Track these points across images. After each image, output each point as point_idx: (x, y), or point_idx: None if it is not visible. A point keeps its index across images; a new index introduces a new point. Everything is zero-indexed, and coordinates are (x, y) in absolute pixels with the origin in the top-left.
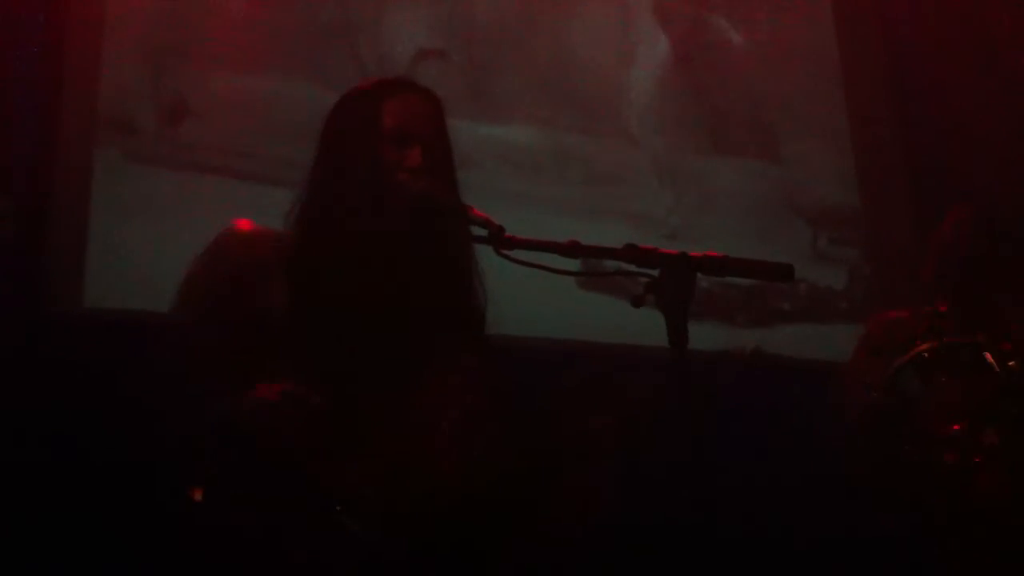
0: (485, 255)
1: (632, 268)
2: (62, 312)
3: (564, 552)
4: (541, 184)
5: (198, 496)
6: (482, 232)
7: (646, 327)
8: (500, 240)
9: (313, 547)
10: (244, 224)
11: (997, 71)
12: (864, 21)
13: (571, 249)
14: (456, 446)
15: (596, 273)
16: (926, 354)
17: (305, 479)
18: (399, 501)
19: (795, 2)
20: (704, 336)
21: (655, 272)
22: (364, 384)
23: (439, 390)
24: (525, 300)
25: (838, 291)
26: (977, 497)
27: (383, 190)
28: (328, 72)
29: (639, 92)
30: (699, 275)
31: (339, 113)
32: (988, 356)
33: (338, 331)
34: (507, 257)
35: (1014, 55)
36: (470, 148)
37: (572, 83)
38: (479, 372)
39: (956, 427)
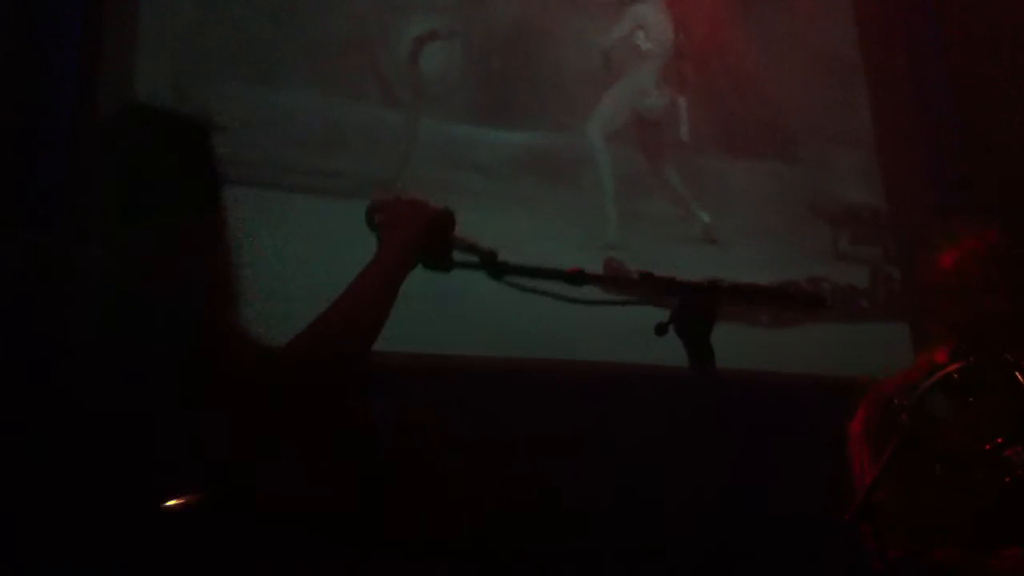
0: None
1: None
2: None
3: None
4: (561, 190)
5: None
6: (472, 258)
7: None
8: (493, 266)
9: None
10: None
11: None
12: (885, 20)
13: (576, 277)
14: None
15: (608, 301)
16: (955, 375)
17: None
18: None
19: (816, 2)
20: (728, 338)
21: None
22: None
23: None
24: (533, 320)
25: (860, 290)
26: (1008, 518)
27: None
28: (347, 85)
29: (655, 97)
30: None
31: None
32: (1018, 375)
33: None
34: (512, 284)
35: None
36: (490, 155)
37: (589, 88)
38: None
39: (987, 447)
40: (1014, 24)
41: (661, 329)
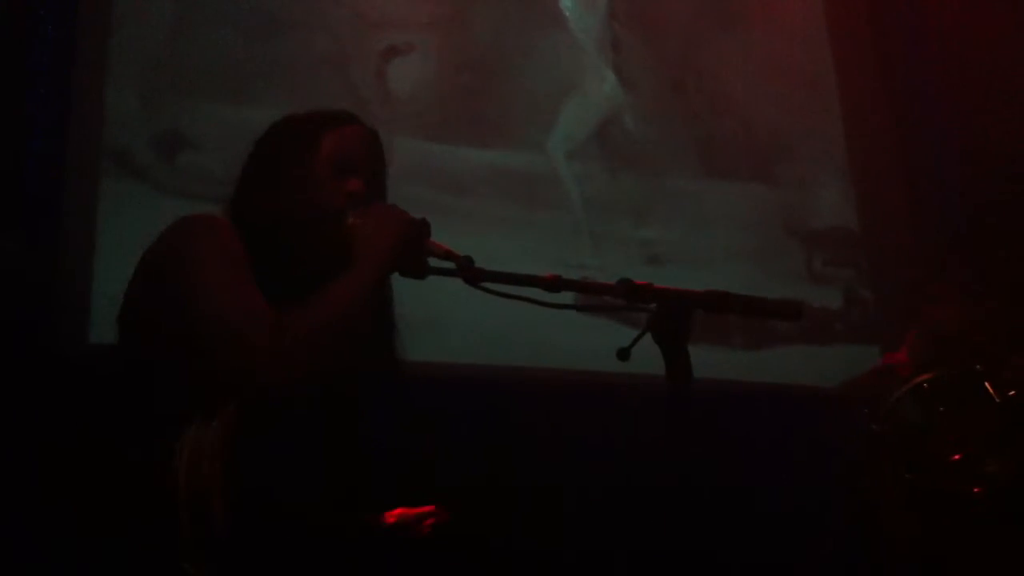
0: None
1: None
2: (67, 347)
3: None
4: (535, 209)
5: None
6: (447, 264)
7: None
8: (470, 272)
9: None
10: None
11: (997, 86)
12: (860, 41)
13: (553, 283)
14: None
15: (585, 307)
16: (926, 384)
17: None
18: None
19: (790, 24)
20: (700, 359)
21: (646, 308)
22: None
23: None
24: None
25: (834, 311)
26: (978, 525)
27: (321, 212)
28: (325, 102)
29: (631, 117)
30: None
31: (275, 138)
32: (988, 386)
33: None
34: (486, 289)
35: (1014, 68)
36: (465, 174)
37: (559, 105)
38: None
39: (957, 457)
40: (990, 44)
41: (623, 354)
